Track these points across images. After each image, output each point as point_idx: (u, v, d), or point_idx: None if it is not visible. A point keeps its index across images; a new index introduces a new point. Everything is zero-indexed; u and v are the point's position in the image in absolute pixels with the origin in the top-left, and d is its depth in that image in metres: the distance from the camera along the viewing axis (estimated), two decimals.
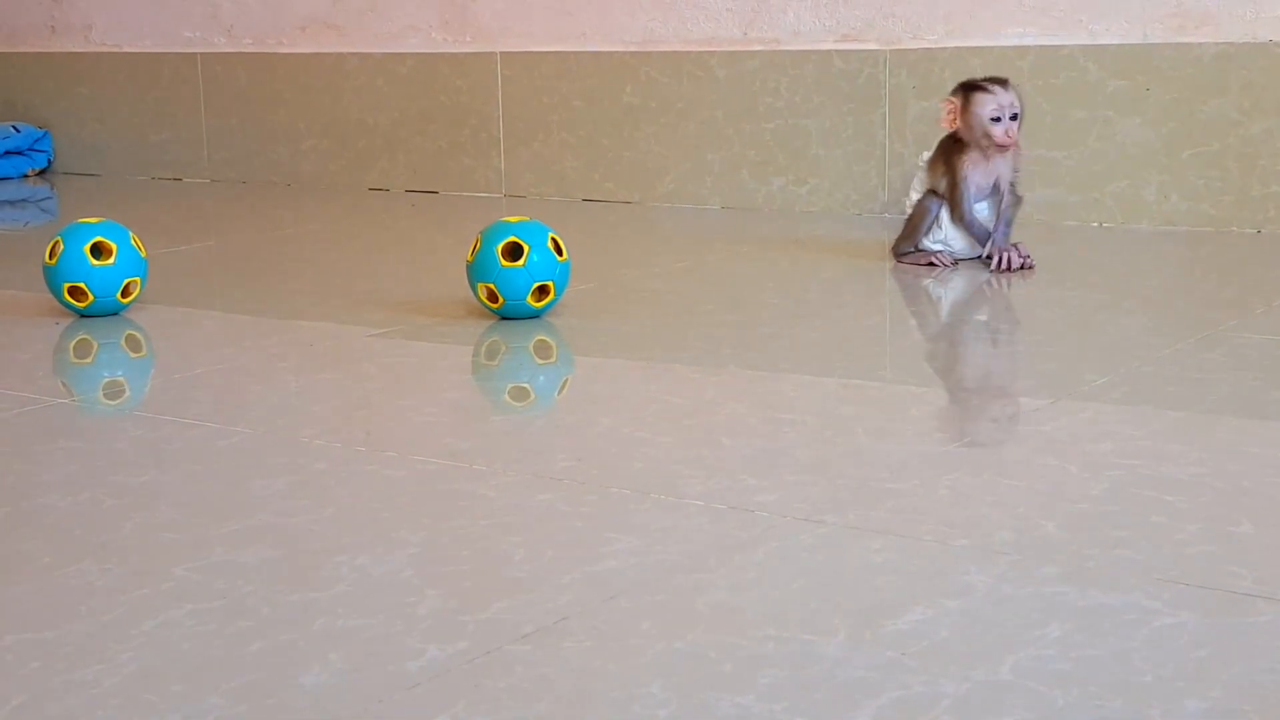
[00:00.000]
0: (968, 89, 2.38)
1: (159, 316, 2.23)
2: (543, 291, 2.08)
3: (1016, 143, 2.38)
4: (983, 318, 2.19)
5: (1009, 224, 2.40)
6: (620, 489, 1.37)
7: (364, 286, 2.40)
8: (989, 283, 2.32)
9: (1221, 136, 2.69)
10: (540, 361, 1.96)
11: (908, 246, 2.45)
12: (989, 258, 2.38)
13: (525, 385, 1.87)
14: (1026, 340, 1.96)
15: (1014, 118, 2.36)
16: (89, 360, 2.02)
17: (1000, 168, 2.39)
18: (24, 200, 3.76)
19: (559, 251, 2.09)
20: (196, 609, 1.11)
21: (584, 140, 3.34)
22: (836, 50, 3.01)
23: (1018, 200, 2.42)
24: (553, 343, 2.01)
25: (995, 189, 2.40)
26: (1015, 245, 2.39)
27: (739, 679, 0.98)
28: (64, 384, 1.91)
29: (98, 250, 2.17)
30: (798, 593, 1.12)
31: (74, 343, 2.08)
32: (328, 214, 3.32)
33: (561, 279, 2.10)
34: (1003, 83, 2.39)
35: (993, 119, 2.34)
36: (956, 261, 2.42)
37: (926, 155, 2.46)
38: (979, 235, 2.40)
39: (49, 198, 3.80)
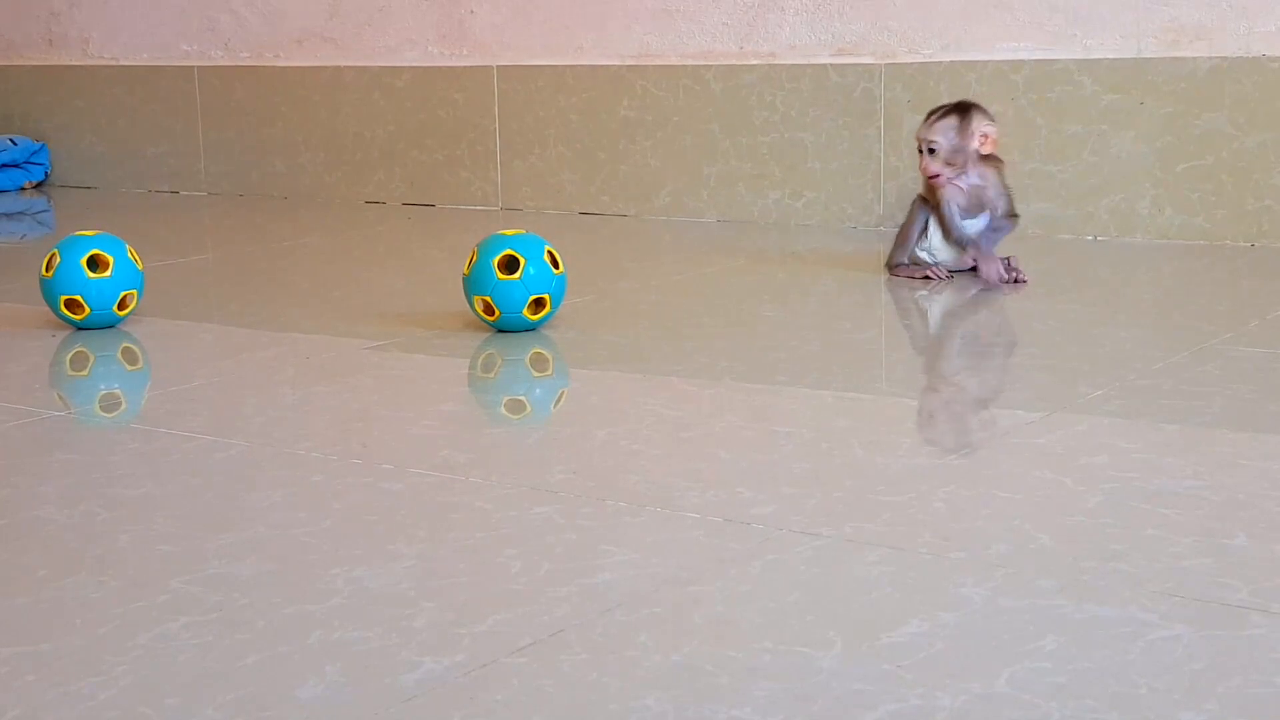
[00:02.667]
0: None
1: (155, 329, 2.23)
2: (539, 304, 2.08)
3: (937, 174, 2.38)
4: (978, 330, 2.19)
5: (994, 230, 2.42)
6: (616, 501, 1.37)
7: (360, 299, 2.40)
8: (984, 296, 2.33)
9: (1215, 150, 2.69)
10: (536, 374, 1.96)
11: (901, 257, 2.46)
12: (975, 268, 2.40)
13: (521, 398, 1.87)
14: (1021, 353, 1.96)
15: (932, 150, 2.38)
16: (85, 373, 2.02)
17: (977, 186, 2.39)
18: (21, 213, 3.76)
19: (555, 264, 2.09)
20: (192, 621, 1.11)
21: (580, 153, 3.34)
22: (832, 64, 3.02)
23: (1014, 218, 2.43)
24: (549, 355, 2.02)
25: (985, 205, 2.41)
26: (1007, 259, 2.40)
27: (735, 691, 0.98)
28: (60, 396, 1.91)
29: (94, 263, 2.17)
30: (794, 605, 1.12)
31: (70, 355, 2.08)
32: (325, 227, 3.33)
33: (558, 292, 2.10)
34: (943, 111, 2.41)
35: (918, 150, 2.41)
36: (951, 274, 2.43)
37: None
38: (972, 251, 2.41)
39: (46, 210, 3.80)
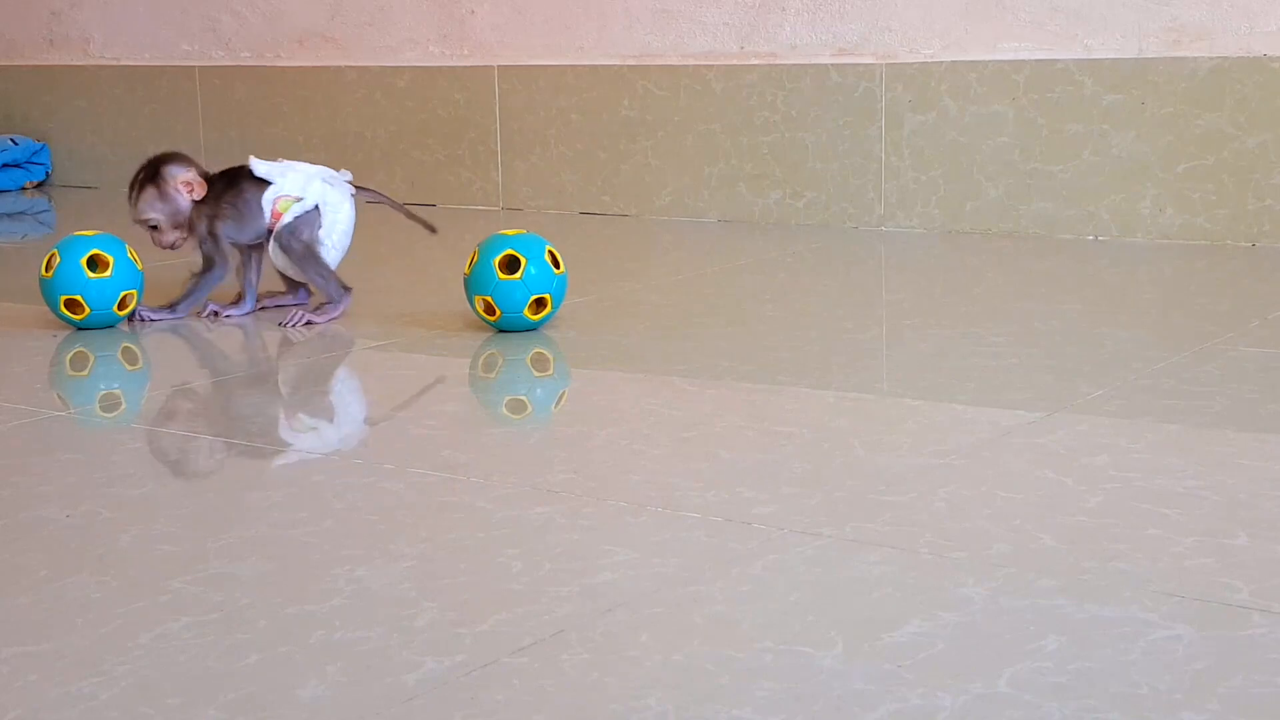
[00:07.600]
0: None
1: (155, 329, 2.23)
2: (540, 304, 2.08)
3: (174, 244, 2.26)
4: (978, 330, 2.19)
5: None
6: (617, 501, 1.37)
7: (361, 299, 2.40)
8: (981, 297, 2.33)
9: (1216, 150, 2.69)
10: (537, 374, 1.96)
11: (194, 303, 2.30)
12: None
13: (522, 398, 1.87)
14: (1022, 353, 1.96)
15: (155, 228, 2.25)
16: (85, 373, 2.02)
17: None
18: (21, 213, 3.76)
19: (556, 264, 2.09)
20: (193, 621, 1.12)
21: (581, 153, 3.34)
22: (833, 64, 3.02)
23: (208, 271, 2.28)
24: (550, 355, 2.02)
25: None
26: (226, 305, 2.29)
27: (736, 691, 0.98)
28: (60, 396, 1.91)
29: (94, 263, 2.17)
30: (795, 605, 1.12)
31: (70, 355, 2.08)
32: None
33: (559, 292, 2.10)
34: (137, 184, 2.26)
35: None
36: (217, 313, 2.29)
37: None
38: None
39: (46, 210, 3.80)
